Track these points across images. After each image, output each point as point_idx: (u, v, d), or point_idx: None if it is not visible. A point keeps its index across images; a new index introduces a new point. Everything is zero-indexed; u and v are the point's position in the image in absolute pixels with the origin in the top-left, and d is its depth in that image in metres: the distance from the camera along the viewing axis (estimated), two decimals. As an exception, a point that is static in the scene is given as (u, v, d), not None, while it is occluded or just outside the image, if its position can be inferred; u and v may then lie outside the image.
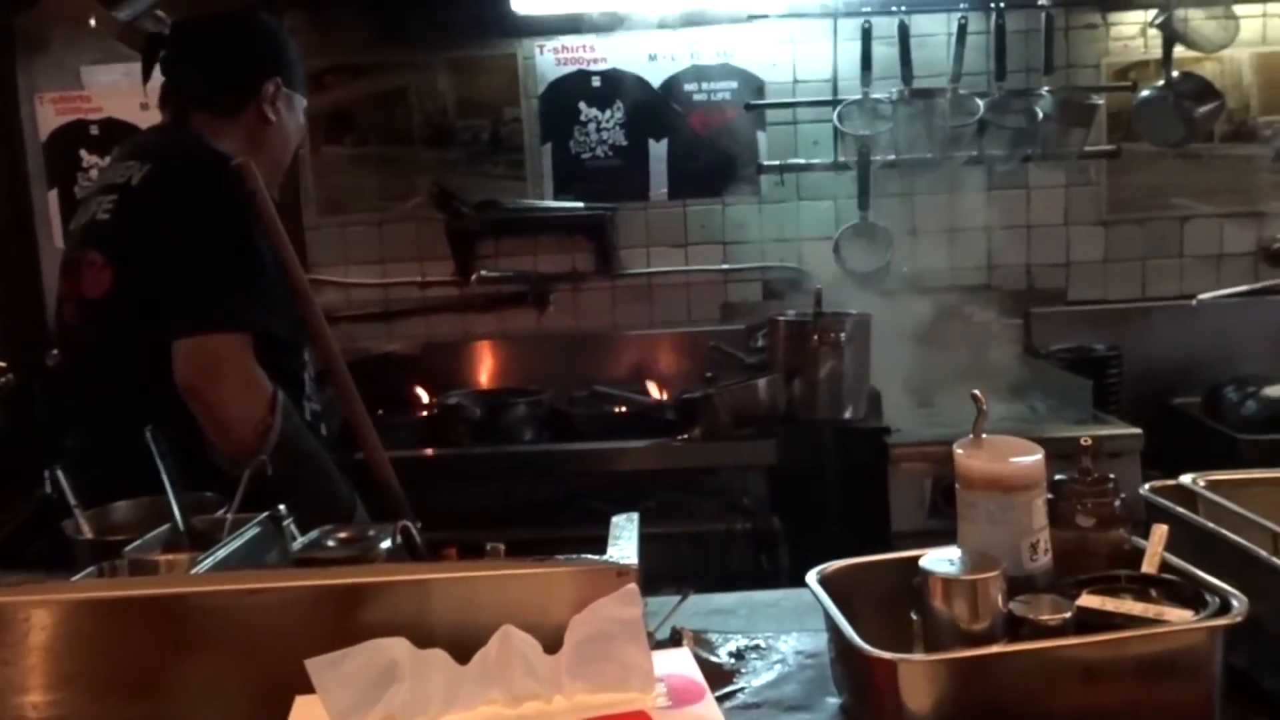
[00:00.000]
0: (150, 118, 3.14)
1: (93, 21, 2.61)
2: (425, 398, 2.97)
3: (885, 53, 2.96)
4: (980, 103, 2.90)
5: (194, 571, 1.12)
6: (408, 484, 1.75)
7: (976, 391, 1.09)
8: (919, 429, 2.62)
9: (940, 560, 1.02)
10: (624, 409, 2.82)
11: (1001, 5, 2.92)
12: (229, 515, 1.33)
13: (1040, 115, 2.92)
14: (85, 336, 1.86)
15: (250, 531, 1.28)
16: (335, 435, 2.12)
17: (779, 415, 2.57)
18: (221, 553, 1.19)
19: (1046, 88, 2.94)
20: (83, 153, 3.17)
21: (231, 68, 1.92)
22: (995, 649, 0.97)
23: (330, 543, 1.26)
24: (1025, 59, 3.02)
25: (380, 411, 2.86)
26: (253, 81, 1.90)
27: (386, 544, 1.25)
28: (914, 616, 1.04)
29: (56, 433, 1.94)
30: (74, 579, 1.14)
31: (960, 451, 1.09)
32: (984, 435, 1.09)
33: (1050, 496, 1.11)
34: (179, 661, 1.05)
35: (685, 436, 2.56)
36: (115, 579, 1.17)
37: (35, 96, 3.14)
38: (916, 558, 1.08)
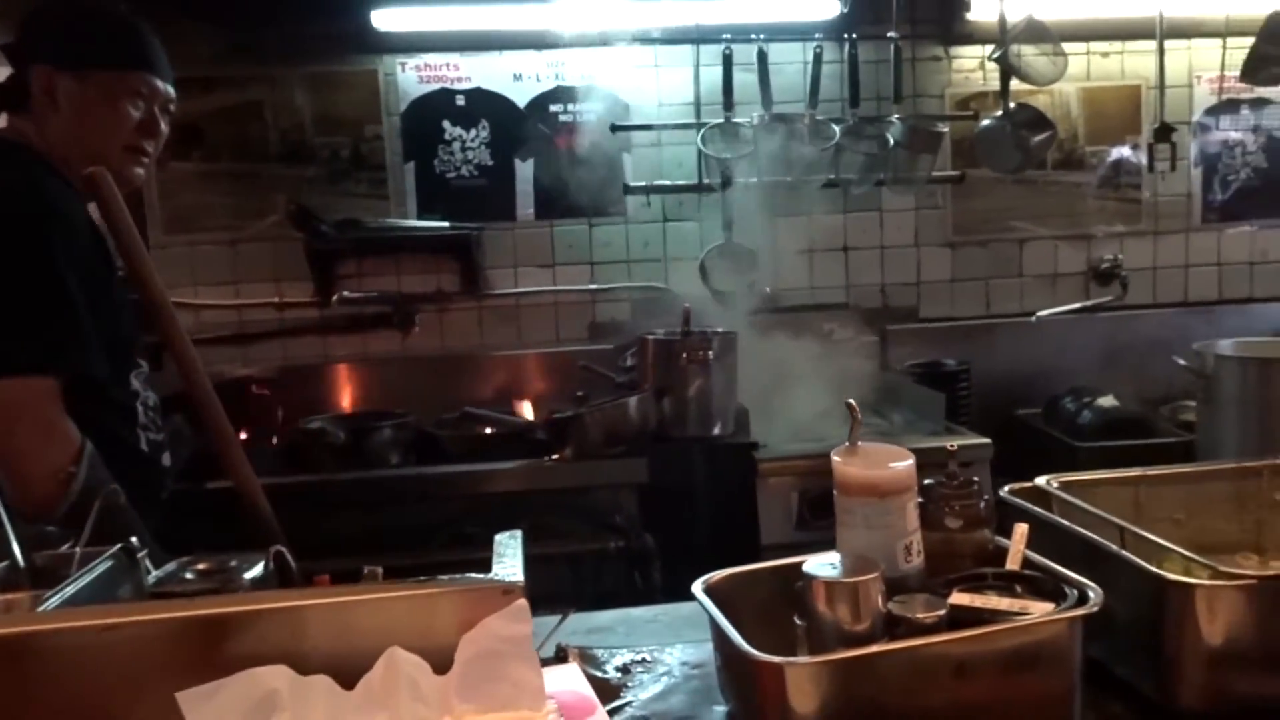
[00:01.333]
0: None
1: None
2: (285, 423, 2.85)
3: (746, 78, 3.04)
4: (836, 128, 3.02)
5: (42, 609, 1.03)
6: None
7: (852, 401, 1.13)
8: (785, 444, 2.68)
9: (822, 565, 1.05)
10: (494, 430, 2.79)
11: (853, 36, 3.05)
12: (79, 549, 1.24)
13: (891, 141, 3.06)
14: None
15: (101, 566, 1.19)
16: (180, 465, 2.01)
17: (650, 433, 2.60)
18: (71, 589, 1.11)
19: (896, 115, 3.08)
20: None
21: (10, 56, 1.78)
22: (877, 648, 1.00)
23: (188, 575, 1.20)
24: (876, 88, 3.16)
25: (240, 437, 2.74)
26: (24, 74, 1.74)
27: (251, 574, 1.19)
28: (797, 621, 1.06)
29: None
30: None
31: (838, 459, 1.12)
32: (859, 444, 1.13)
33: (920, 500, 1.16)
34: (26, 712, 0.96)
35: (557, 456, 2.55)
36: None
37: None
38: (796, 565, 1.11)
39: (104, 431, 1.67)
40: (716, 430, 2.66)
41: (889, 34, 3.08)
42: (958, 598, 1.08)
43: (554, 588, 2.40)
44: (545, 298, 3.21)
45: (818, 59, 3.02)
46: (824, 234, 3.29)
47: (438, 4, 2.92)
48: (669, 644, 1.32)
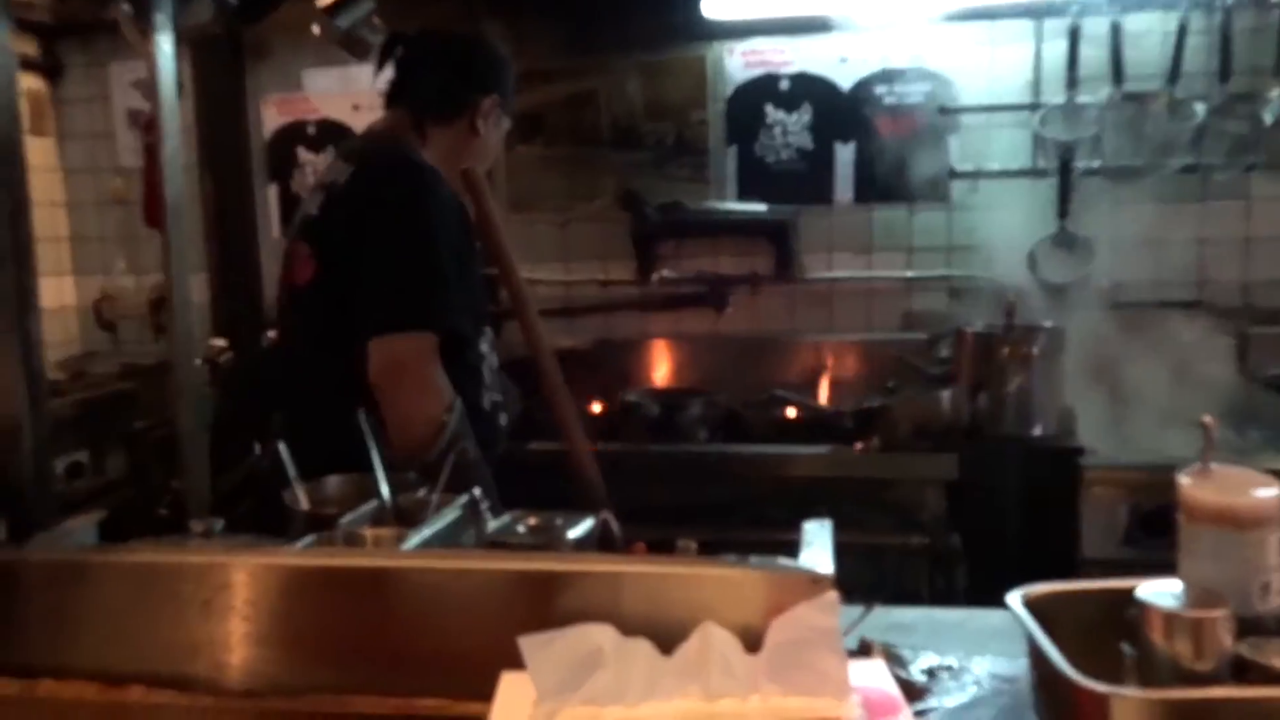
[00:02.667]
0: (360, 118, 3.36)
1: (315, 29, 2.81)
2: (603, 394, 3.03)
3: (1093, 54, 2.81)
4: (1199, 107, 2.72)
5: (407, 547, 1.19)
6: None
7: (1206, 418, 1.02)
8: (1116, 452, 2.46)
9: (1161, 593, 0.97)
10: (801, 414, 2.80)
11: (1228, 2, 2.72)
12: (434, 496, 1.40)
13: (1268, 121, 2.70)
14: (292, 321, 2.02)
15: (451, 513, 1.35)
16: (513, 424, 2.20)
17: (962, 429, 2.50)
18: (428, 531, 1.26)
19: (1276, 91, 2.72)
20: (300, 150, 3.41)
21: (461, 78, 2.03)
22: (1222, 692, 0.90)
23: (520, 528, 1.32)
24: (1252, 60, 2.80)
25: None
26: (475, 95, 2.01)
27: (574, 533, 1.29)
28: (1125, 650, 0.98)
29: (266, 408, 2.09)
30: (301, 546, 1.23)
31: (1186, 481, 1.02)
32: (1212, 465, 1.02)
33: (1285, 534, 1.03)
34: (383, 633, 1.11)
35: (862, 446, 2.52)
36: (350, 549, 1.25)
37: (261, 98, 3.40)
38: (1126, 589, 1.03)
39: (456, 389, 1.87)
40: (1037, 431, 2.51)
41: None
42: (1326, 649, 0.95)
43: (851, 579, 2.38)
44: (859, 284, 3.16)
45: (1182, 30, 2.72)
46: (1176, 223, 2.96)
47: (766, -13, 2.96)
48: (977, 653, 1.27)
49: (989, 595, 1.30)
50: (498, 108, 2.03)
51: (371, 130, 2.12)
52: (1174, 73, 2.74)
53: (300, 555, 1.18)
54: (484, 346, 2.00)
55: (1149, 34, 2.86)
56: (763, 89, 3.17)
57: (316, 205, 1.96)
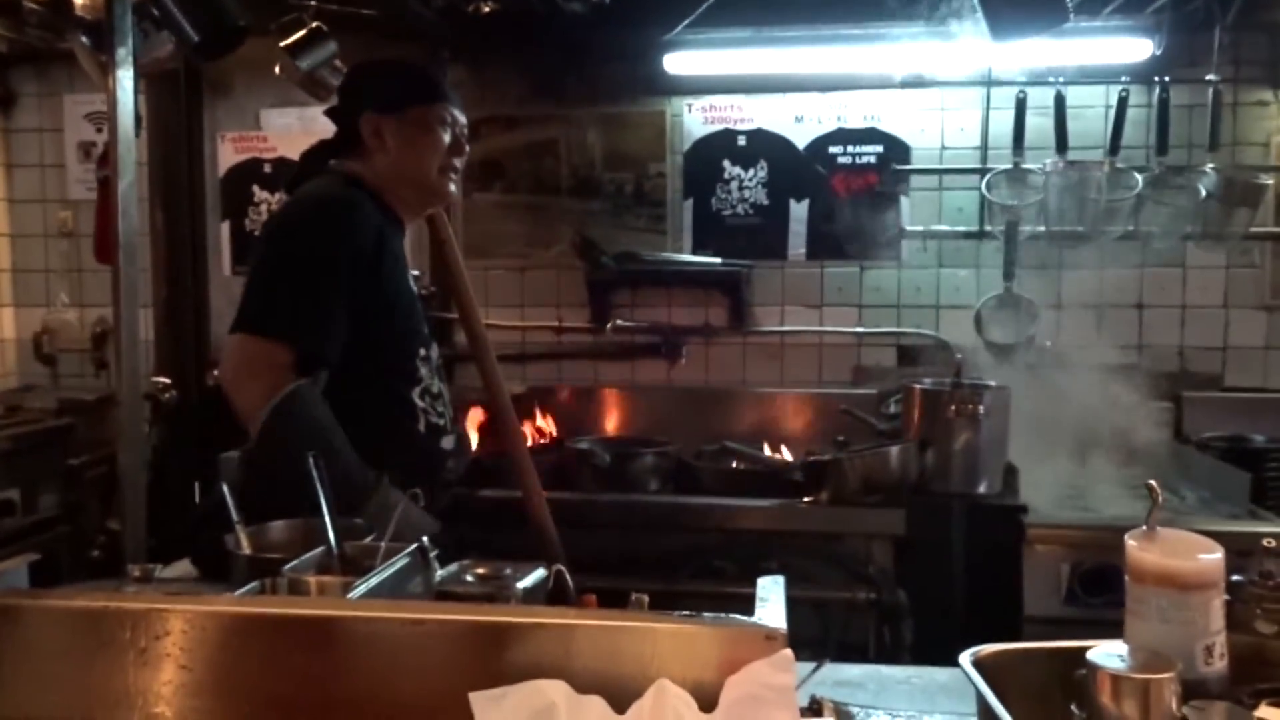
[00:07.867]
0: (317, 158, 3.34)
1: (277, 69, 2.80)
2: (554, 441, 3.01)
3: (1039, 123, 2.91)
4: (1138, 177, 2.82)
5: (352, 595, 1.16)
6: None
7: (1153, 482, 1.05)
8: (1057, 510, 2.51)
9: (1109, 655, 0.98)
10: (751, 466, 2.80)
11: (1165, 79, 2.84)
12: (383, 543, 1.38)
13: (1203, 193, 2.81)
14: None
15: (400, 561, 1.32)
16: (459, 473, 2.17)
17: (909, 485, 2.52)
18: (375, 580, 1.23)
19: (1210, 165, 2.83)
20: (255, 188, 3.38)
21: (337, 120, 2.06)
22: (1168, 755, 0.92)
23: (468, 578, 1.30)
24: (1188, 134, 2.92)
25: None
26: (352, 125, 2.01)
27: (523, 583, 1.28)
28: (1075, 710, 0.99)
29: (208, 447, 2.04)
30: (239, 593, 1.20)
31: (1132, 543, 1.04)
32: (1158, 528, 1.05)
33: (1227, 598, 1.05)
34: (329, 685, 1.08)
35: (811, 499, 2.53)
36: (294, 598, 1.22)
37: (218, 135, 3.37)
38: (1076, 649, 1.04)
39: (380, 417, 1.88)
40: (982, 488, 2.54)
41: (1207, 77, 2.84)
42: (1265, 711, 0.97)
43: (797, 632, 2.38)
44: (810, 338, 3.20)
45: (1122, 103, 2.84)
46: (1116, 289, 3.06)
47: (726, 48, 3.02)
48: (926, 711, 1.27)
49: (934, 651, 1.31)
50: (384, 116, 1.98)
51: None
52: (1115, 144, 2.84)
53: (241, 603, 1.15)
54: (422, 369, 1.98)
55: (1092, 107, 2.97)
56: (721, 144, 3.22)
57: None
